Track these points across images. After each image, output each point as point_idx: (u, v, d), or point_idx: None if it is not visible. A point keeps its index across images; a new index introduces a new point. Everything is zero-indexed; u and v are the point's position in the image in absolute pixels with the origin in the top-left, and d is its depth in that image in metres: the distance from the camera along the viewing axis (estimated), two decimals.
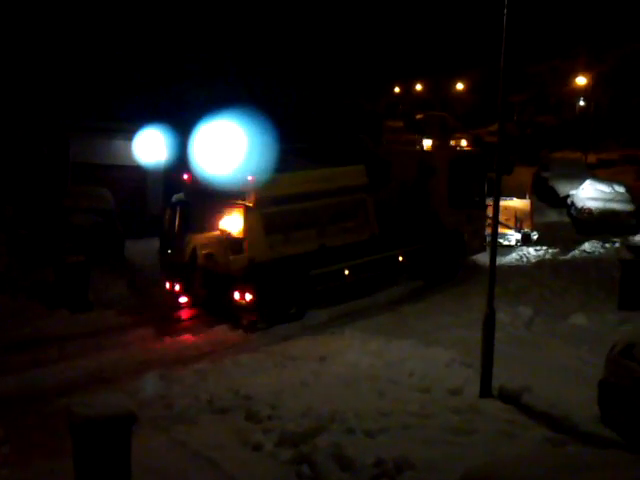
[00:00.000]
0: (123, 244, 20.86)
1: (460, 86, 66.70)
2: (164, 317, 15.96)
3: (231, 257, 14.97)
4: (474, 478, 6.27)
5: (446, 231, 19.72)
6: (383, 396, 11.08)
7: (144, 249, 21.72)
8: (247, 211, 15.08)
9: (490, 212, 19.29)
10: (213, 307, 15.91)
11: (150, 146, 24.71)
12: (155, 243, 21.46)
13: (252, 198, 15.11)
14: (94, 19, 29.95)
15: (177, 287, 15.91)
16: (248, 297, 14.88)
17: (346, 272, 16.98)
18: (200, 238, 15.56)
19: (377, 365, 12.61)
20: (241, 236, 15.08)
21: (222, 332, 15.10)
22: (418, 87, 75.69)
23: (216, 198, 15.60)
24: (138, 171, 24.98)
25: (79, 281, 16.07)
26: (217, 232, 15.46)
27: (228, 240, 15.09)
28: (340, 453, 8.74)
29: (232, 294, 14.99)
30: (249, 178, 15.07)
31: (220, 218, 15.55)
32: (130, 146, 24.62)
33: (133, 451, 7.63)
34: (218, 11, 35.73)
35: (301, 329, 15.20)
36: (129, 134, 24.53)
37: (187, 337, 14.74)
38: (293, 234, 15.99)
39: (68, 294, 15.94)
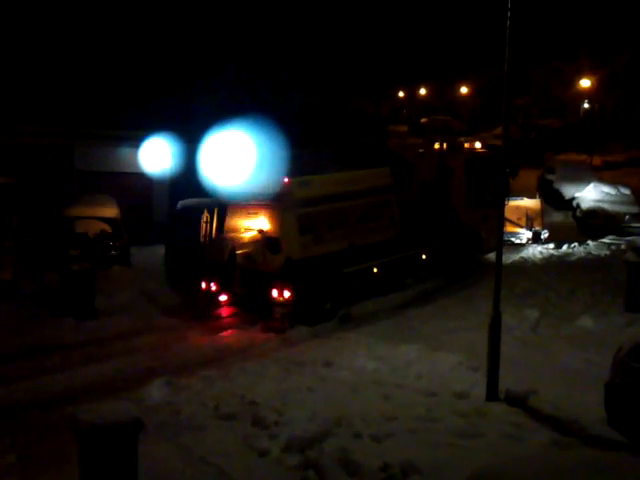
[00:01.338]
0: (129, 251, 20.91)
1: (464, 90, 66.61)
2: (170, 324, 15.98)
3: (269, 256, 15.66)
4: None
5: (465, 229, 20.49)
6: (389, 400, 11.07)
7: (150, 256, 21.80)
8: (283, 212, 15.86)
9: (505, 212, 20.22)
10: (250, 305, 16.45)
11: (155, 154, 24.81)
12: (161, 250, 21.57)
13: (288, 199, 15.86)
14: (100, 27, 30.07)
15: (213, 286, 16.29)
16: (286, 294, 15.41)
17: (375, 270, 17.68)
18: (239, 239, 16.09)
19: (383, 369, 12.61)
20: (278, 236, 15.78)
21: (228, 338, 15.13)
22: (422, 91, 75.62)
23: (252, 200, 16.31)
24: (143, 179, 25.07)
25: (85, 289, 16.11)
26: (255, 233, 16.11)
27: (266, 240, 15.75)
28: (347, 458, 8.72)
29: (270, 292, 15.49)
30: (285, 180, 15.79)
31: (257, 219, 16.25)
32: (136, 154, 24.73)
33: (140, 458, 7.63)
34: (222, 18, 35.82)
35: (307, 334, 15.20)
36: (134, 142, 24.63)
37: (193, 343, 14.74)
38: (325, 234, 16.70)
39: (74, 302, 15.98)
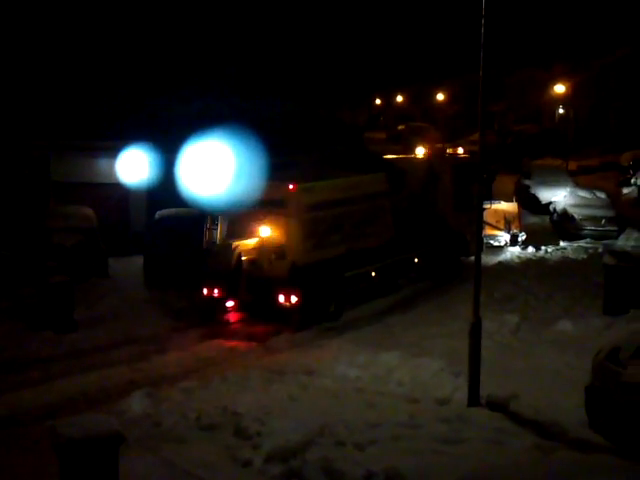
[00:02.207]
0: (106, 262, 20.75)
1: (440, 96, 67.00)
2: (149, 335, 15.86)
3: (275, 262, 15.88)
4: None
5: (453, 233, 20.91)
6: (372, 408, 11.06)
7: (128, 267, 21.64)
8: (289, 218, 16.09)
9: (486, 216, 20.85)
10: (256, 311, 16.68)
11: (133, 164, 24.68)
12: (139, 261, 21.43)
13: (294, 205, 16.09)
14: (76, 37, 29.92)
15: (216, 292, 16.25)
16: (293, 299, 15.69)
17: (373, 274, 18.17)
18: (245, 245, 16.17)
19: (365, 377, 12.60)
20: (283, 242, 15.99)
21: (209, 348, 15.04)
22: (399, 98, 76.04)
23: (258, 206, 16.34)
24: (121, 189, 24.90)
25: (63, 301, 15.92)
26: (260, 239, 16.26)
27: (271, 246, 15.96)
28: (330, 466, 8.69)
29: (277, 297, 15.74)
30: (290, 186, 16.00)
31: (263, 225, 16.34)
32: (112, 164, 24.57)
33: (121, 471, 7.54)
34: (199, 28, 35.81)
35: (288, 343, 15.16)
36: (111, 152, 24.47)
37: (173, 355, 14.63)
38: (326, 239, 16.97)
39: (52, 314, 15.78)
